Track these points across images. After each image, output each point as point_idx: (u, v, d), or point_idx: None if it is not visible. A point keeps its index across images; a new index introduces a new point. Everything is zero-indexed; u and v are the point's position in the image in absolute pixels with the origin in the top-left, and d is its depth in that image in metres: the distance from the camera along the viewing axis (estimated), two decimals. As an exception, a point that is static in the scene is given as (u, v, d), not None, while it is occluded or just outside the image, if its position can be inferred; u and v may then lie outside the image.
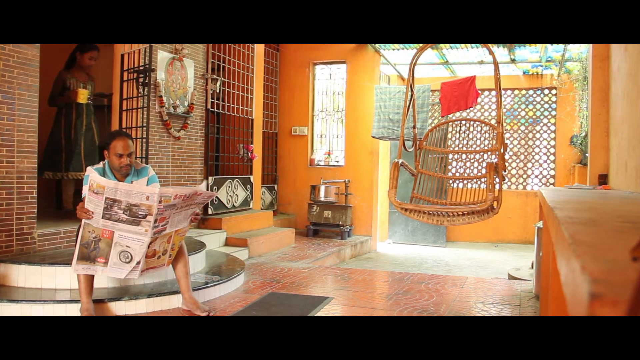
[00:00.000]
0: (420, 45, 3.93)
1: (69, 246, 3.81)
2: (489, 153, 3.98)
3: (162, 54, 4.98)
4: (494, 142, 3.93)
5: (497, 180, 3.37)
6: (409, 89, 3.72)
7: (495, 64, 3.53)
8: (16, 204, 3.46)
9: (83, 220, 2.75)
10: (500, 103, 3.50)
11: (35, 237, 3.61)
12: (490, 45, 3.95)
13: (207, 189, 5.60)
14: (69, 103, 4.29)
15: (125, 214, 2.68)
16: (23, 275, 3.25)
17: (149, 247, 2.78)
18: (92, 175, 2.69)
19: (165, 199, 2.65)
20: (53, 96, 4.34)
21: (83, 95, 4.25)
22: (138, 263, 2.79)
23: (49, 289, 3.22)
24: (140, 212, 2.66)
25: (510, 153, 8.64)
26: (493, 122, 7.13)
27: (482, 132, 4.10)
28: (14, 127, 3.45)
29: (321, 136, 8.11)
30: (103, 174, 3.11)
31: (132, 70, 4.71)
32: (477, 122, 4.17)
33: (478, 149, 4.05)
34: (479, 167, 4.02)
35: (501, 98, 3.51)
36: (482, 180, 3.90)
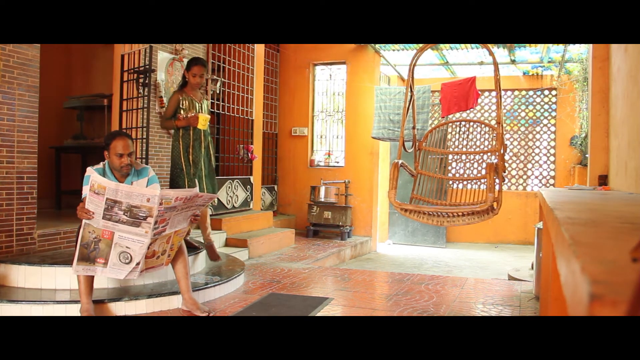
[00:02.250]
0: (421, 45, 3.93)
1: (69, 247, 3.81)
2: (489, 154, 3.98)
3: (162, 55, 4.98)
4: (494, 142, 3.93)
5: (497, 180, 3.37)
6: (409, 89, 3.72)
7: (495, 64, 3.53)
8: (16, 204, 3.46)
9: (83, 221, 2.75)
10: (500, 104, 3.50)
11: (35, 237, 3.61)
12: (490, 45, 3.95)
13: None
14: (186, 126, 3.96)
15: (126, 215, 2.67)
16: (23, 276, 3.25)
17: (148, 248, 2.78)
18: (93, 176, 2.69)
19: (166, 201, 2.65)
20: (166, 119, 4.02)
21: (204, 122, 3.89)
22: (137, 264, 2.79)
23: (49, 290, 3.22)
24: (140, 214, 2.66)
25: (510, 154, 8.64)
26: (493, 122, 7.13)
27: (482, 132, 4.10)
28: (14, 128, 3.46)
29: (321, 137, 8.11)
30: (103, 174, 3.11)
31: (132, 70, 4.71)
32: (476, 123, 4.17)
33: (478, 149, 4.05)
34: (479, 168, 4.02)
35: (501, 99, 3.51)
36: (482, 181, 3.90)
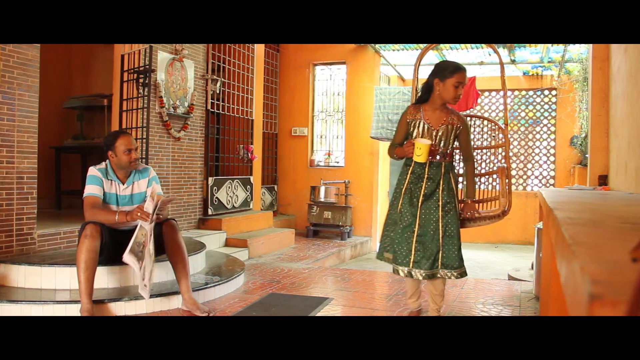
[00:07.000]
0: (425, 45, 3.92)
1: (69, 247, 3.81)
2: (493, 150, 3.97)
3: (162, 55, 4.98)
4: (496, 137, 3.91)
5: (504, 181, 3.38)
6: (415, 90, 3.72)
7: (501, 63, 3.48)
8: (16, 204, 3.46)
9: (139, 223, 2.93)
10: (507, 103, 3.49)
11: (35, 237, 3.61)
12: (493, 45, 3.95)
13: (207, 190, 5.60)
14: (409, 159, 2.76)
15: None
16: (23, 276, 3.25)
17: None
18: (154, 185, 3.02)
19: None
20: (392, 145, 2.89)
21: (422, 150, 2.59)
22: (145, 285, 2.92)
23: (49, 290, 3.22)
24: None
25: (511, 154, 8.65)
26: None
27: (482, 127, 4.09)
28: (14, 128, 3.45)
29: (321, 137, 8.11)
30: (105, 174, 3.12)
31: (132, 70, 4.71)
32: (479, 120, 4.16)
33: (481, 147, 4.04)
34: (482, 165, 4.01)
35: (507, 98, 3.49)
36: (484, 179, 3.90)
